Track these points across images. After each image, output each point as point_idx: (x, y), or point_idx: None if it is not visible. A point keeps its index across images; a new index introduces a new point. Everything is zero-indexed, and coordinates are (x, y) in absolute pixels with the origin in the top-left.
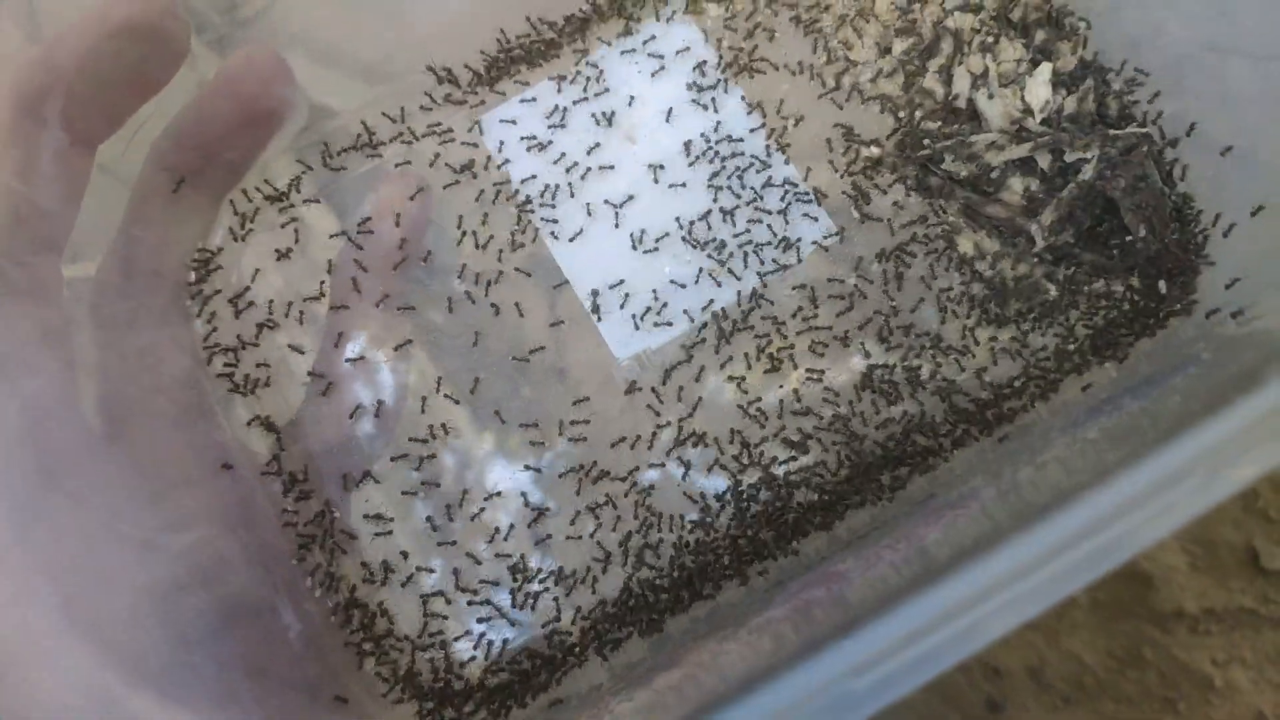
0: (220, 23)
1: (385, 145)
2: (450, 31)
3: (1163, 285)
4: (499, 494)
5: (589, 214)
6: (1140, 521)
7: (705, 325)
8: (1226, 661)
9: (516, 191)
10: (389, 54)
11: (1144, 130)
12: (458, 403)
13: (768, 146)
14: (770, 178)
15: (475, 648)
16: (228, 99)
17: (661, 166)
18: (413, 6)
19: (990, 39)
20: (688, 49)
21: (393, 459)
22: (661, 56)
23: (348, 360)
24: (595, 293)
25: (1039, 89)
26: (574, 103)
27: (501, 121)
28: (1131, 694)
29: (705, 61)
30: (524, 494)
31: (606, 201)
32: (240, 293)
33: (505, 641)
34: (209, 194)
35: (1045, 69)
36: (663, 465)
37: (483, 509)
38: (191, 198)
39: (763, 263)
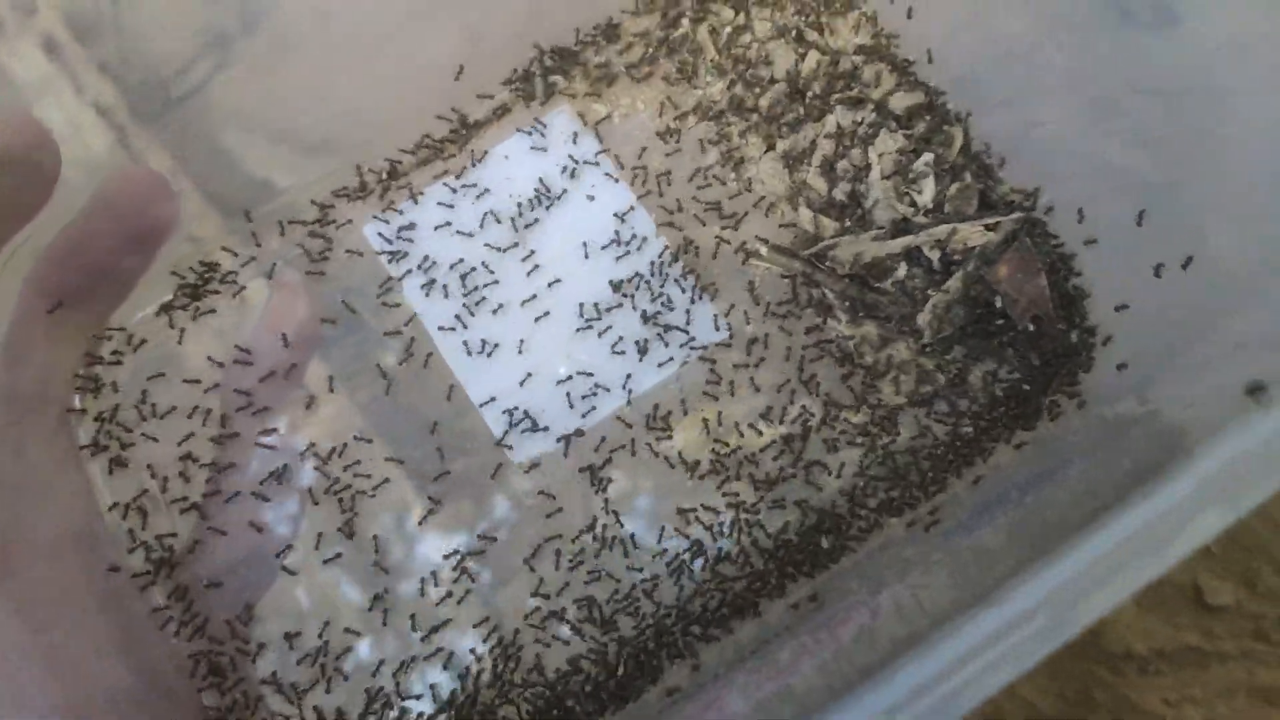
0: (153, 101)
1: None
2: (375, 114)
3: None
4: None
5: (481, 317)
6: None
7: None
8: (1178, 701)
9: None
10: (325, 131)
11: (1024, 216)
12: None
13: (663, 251)
14: (665, 279)
15: None
16: (108, 220)
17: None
18: (337, 84)
19: (871, 130)
20: (572, 139)
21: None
22: (545, 150)
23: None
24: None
25: (921, 181)
26: (467, 200)
27: (386, 227)
28: None
29: (588, 156)
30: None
31: (500, 306)
32: (123, 414)
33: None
34: (93, 314)
35: (926, 158)
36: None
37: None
38: (74, 318)
39: (661, 353)
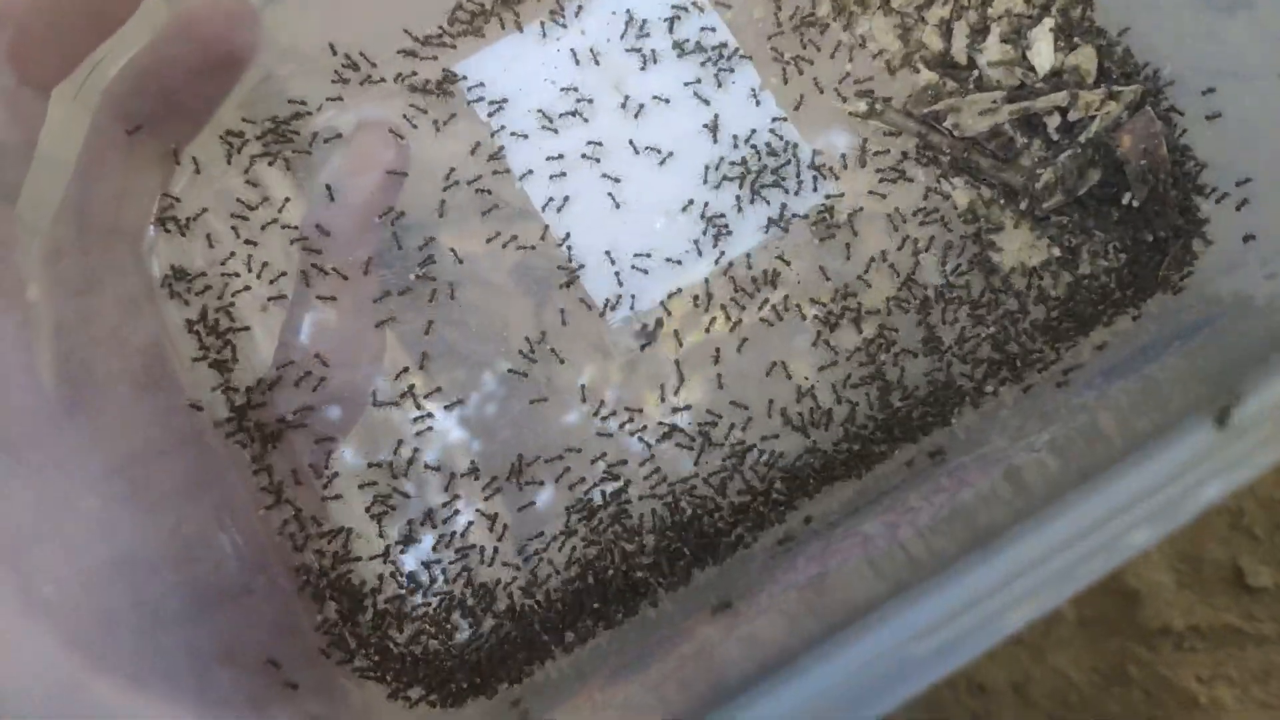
0: None
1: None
2: None
3: (1159, 244)
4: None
5: (573, 173)
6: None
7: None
8: (1211, 679)
9: (501, 149)
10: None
11: (1144, 87)
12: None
13: (758, 96)
14: (771, 133)
15: (447, 620)
16: (189, 42)
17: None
18: None
19: None
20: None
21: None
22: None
23: (310, 334)
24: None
25: (1040, 45)
26: (556, 49)
27: (477, 70)
28: (1116, 712)
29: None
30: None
31: (587, 157)
32: (203, 257)
33: (482, 610)
34: (168, 143)
35: (1046, 24)
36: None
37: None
38: (150, 147)
39: (764, 220)
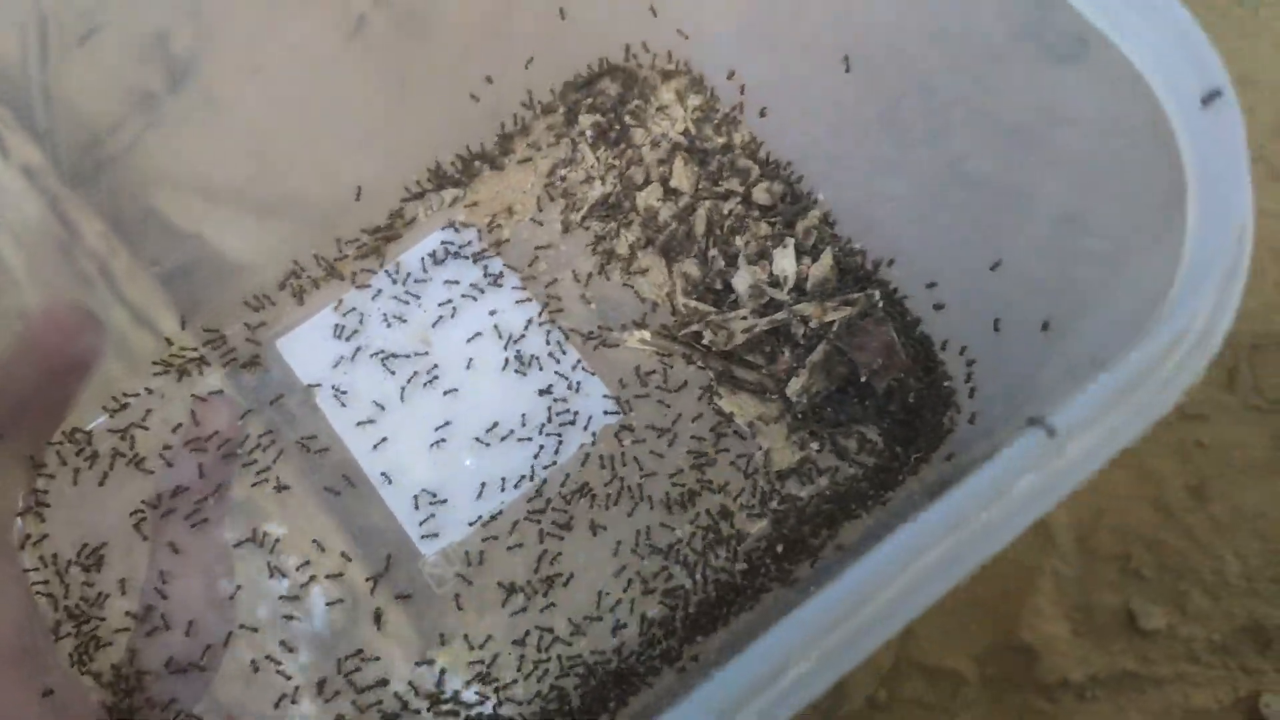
0: (82, 161)
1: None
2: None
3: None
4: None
5: (390, 411)
6: None
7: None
8: None
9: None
10: (259, 187)
11: (878, 290)
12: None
13: (547, 335)
14: (556, 361)
15: None
16: (33, 357)
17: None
18: (273, 138)
19: (737, 221)
20: (470, 248)
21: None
22: (448, 258)
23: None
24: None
25: (784, 262)
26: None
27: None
28: None
29: (485, 264)
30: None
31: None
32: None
33: None
34: (26, 443)
35: (789, 243)
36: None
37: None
38: (9, 448)
39: (558, 440)
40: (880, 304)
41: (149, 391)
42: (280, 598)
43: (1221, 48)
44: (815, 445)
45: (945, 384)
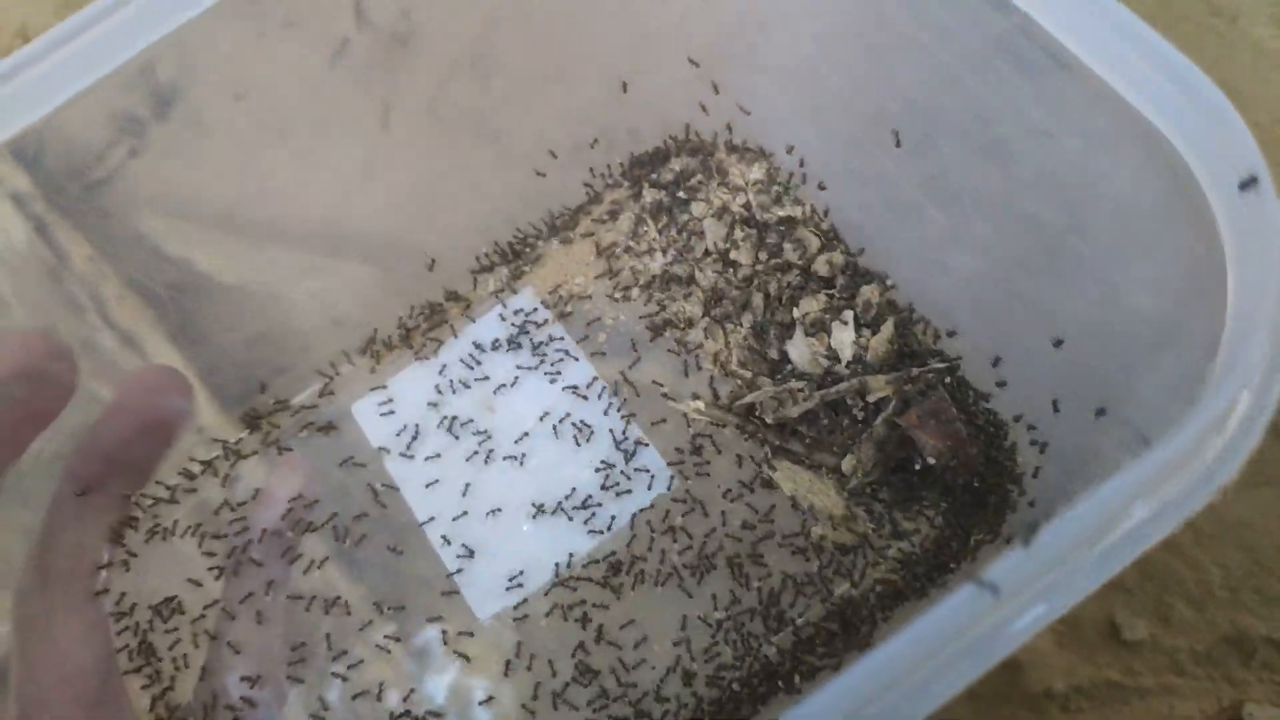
0: (71, 188)
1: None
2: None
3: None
4: None
5: (455, 484)
6: None
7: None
8: None
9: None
10: (250, 209)
11: (940, 365)
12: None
13: (607, 406)
14: (613, 432)
15: None
16: (125, 415)
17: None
18: (265, 156)
19: (796, 293)
20: (535, 319)
21: None
22: (512, 329)
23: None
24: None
25: (842, 335)
26: (438, 384)
27: (369, 404)
28: None
29: (549, 333)
30: None
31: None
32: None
33: None
34: (116, 497)
35: (848, 315)
36: None
37: None
38: (100, 501)
39: (614, 510)
40: (944, 380)
41: (226, 453)
42: (333, 657)
43: (1201, 59)
44: (872, 525)
45: (1008, 463)
